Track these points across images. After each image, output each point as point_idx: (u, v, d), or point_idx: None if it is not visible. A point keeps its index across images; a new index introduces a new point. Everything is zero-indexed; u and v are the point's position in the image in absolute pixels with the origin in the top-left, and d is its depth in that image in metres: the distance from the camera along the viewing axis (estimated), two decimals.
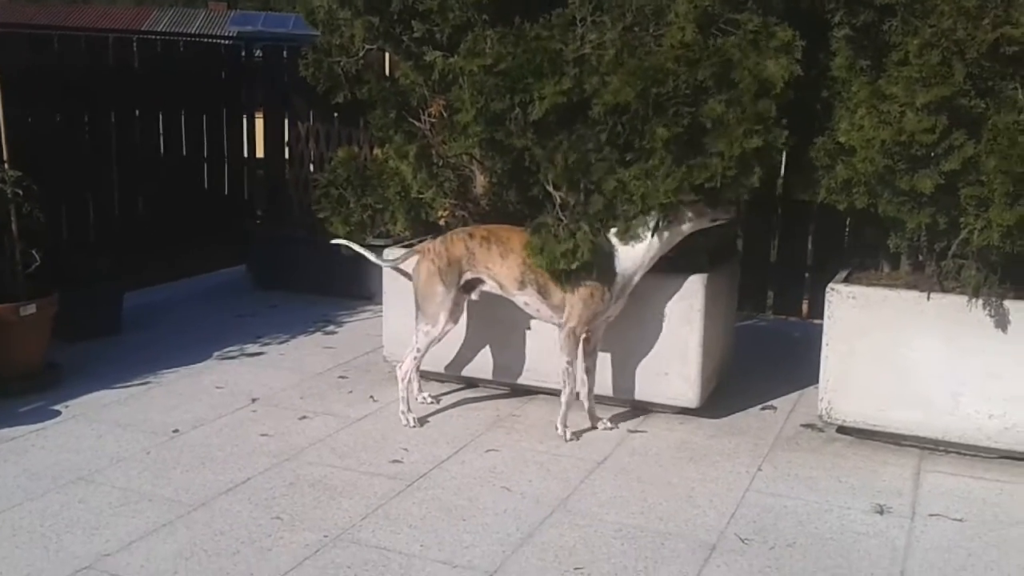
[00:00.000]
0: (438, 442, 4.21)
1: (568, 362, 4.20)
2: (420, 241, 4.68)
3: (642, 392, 4.47)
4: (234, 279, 7.24)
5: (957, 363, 3.96)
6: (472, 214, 4.75)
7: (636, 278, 4.18)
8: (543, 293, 4.21)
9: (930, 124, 3.70)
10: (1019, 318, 3.86)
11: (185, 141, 7.16)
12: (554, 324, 4.33)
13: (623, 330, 4.35)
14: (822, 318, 4.21)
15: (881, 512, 3.59)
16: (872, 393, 4.11)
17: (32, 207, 4.85)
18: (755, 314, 6.29)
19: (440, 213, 4.83)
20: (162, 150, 7.01)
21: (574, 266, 4.00)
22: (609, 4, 4.18)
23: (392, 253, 4.78)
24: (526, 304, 4.31)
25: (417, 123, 4.74)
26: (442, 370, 4.83)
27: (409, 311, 4.47)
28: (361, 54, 4.80)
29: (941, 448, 4.12)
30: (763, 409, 4.69)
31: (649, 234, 4.07)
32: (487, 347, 4.74)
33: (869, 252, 4.51)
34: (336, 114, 6.89)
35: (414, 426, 4.36)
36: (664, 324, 4.37)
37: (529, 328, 4.60)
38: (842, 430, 4.30)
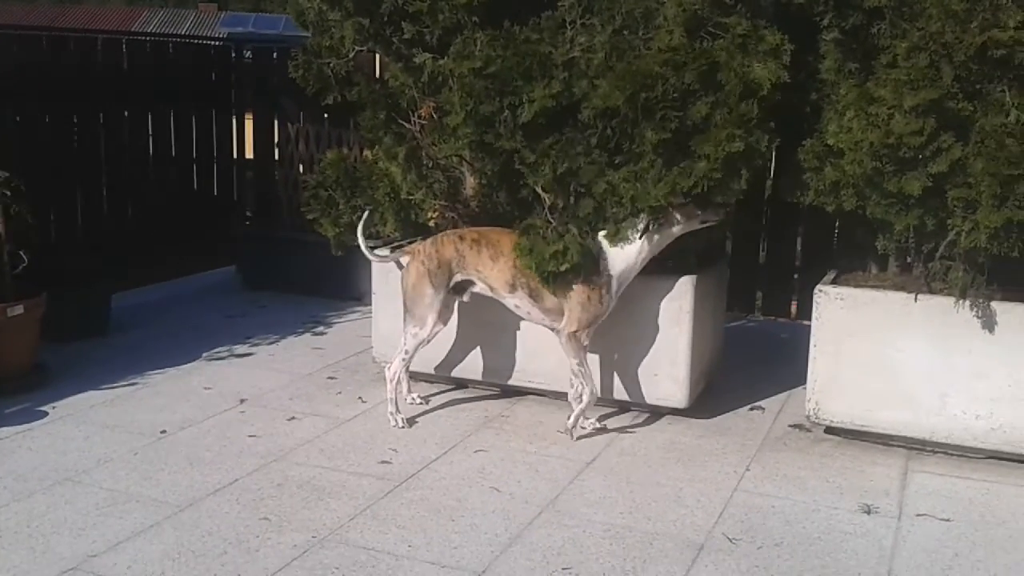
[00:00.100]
0: (427, 443, 4.21)
1: (578, 363, 4.19)
2: (410, 242, 4.68)
3: (631, 393, 4.47)
4: (223, 280, 7.22)
5: (944, 364, 3.98)
6: (462, 215, 4.75)
7: (630, 279, 4.19)
8: (535, 297, 4.21)
9: (918, 126, 3.72)
10: (1006, 319, 3.88)
11: (175, 142, 7.15)
12: (545, 326, 4.33)
13: (612, 331, 4.35)
14: (810, 319, 4.22)
15: (868, 512, 3.61)
16: (860, 394, 4.13)
17: (20, 208, 4.83)
18: (744, 315, 6.31)
19: (430, 214, 4.83)
20: (151, 151, 6.99)
21: (563, 268, 4.00)
22: (599, 7, 4.19)
23: (382, 254, 4.77)
24: (516, 307, 4.31)
25: (407, 125, 4.74)
26: (432, 371, 4.83)
27: (398, 311, 4.47)
28: (351, 55, 4.80)
29: (928, 448, 4.13)
30: (751, 410, 4.71)
31: (639, 236, 4.08)
32: (477, 348, 4.75)
33: (857, 253, 4.53)
34: (326, 115, 6.88)
35: (403, 427, 4.36)
36: (653, 325, 4.38)
37: (519, 329, 4.60)
38: (830, 430, 4.31)
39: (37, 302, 4.82)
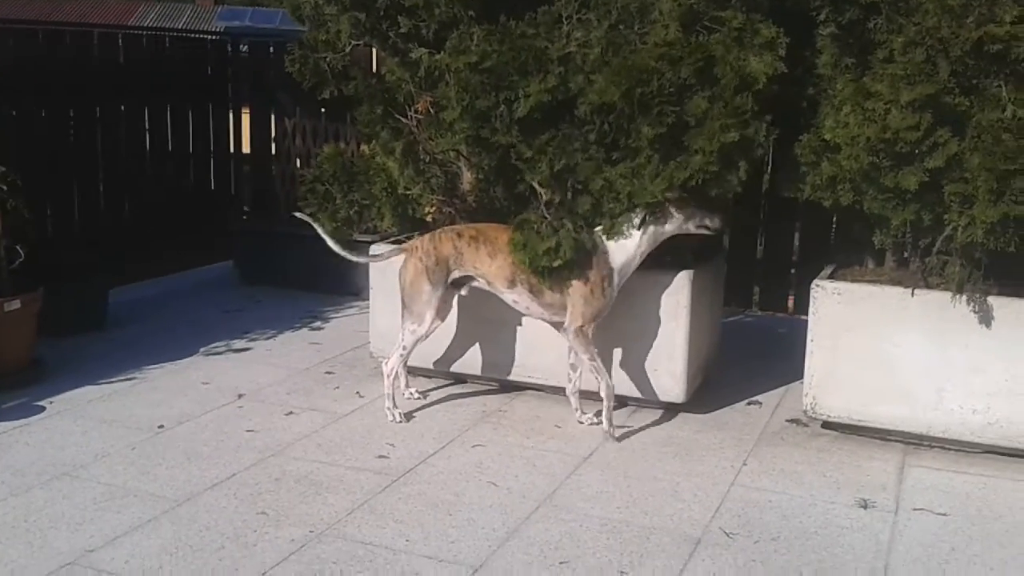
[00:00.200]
0: (424, 437, 4.21)
1: (590, 358, 4.17)
2: (408, 238, 4.68)
3: (628, 387, 4.48)
4: (221, 275, 7.22)
5: (941, 359, 3.99)
6: (459, 210, 4.75)
7: (630, 272, 4.19)
8: (535, 292, 4.21)
9: (914, 121, 3.72)
10: (1002, 314, 3.88)
11: (171, 136, 7.14)
12: (545, 320, 4.34)
13: (610, 326, 4.35)
14: (808, 314, 4.23)
15: (865, 506, 3.61)
16: (857, 388, 4.13)
17: (16, 202, 4.83)
18: (741, 310, 6.31)
19: (427, 209, 4.83)
20: (148, 146, 6.98)
21: (556, 263, 4.00)
22: (595, 2, 4.19)
23: (379, 249, 4.78)
24: (515, 302, 4.31)
25: (404, 119, 4.74)
26: (431, 366, 4.83)
27: (396, 307, 4.47)
28: (347, 50, 4.79)
29: (925, 443, 4.14)
30: (748, 404, 4.71)
31: (636, 230, 4.08)
32: (476, 343, 4.75)
33: (854, 248, 4.53)
34: (323, 110, 6.88)
35: (400, 421, 4.37)
36: (650, 320, 4.38)
37: (518, 324, 4.60)
38: (827, 425, 4.32)
39: (34, 297, 4.82)
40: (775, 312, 6.31)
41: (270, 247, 6.87)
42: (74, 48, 6.40)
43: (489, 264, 4.25)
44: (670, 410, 4.53)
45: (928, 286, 4.05)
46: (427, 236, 4.39)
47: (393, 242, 4.76)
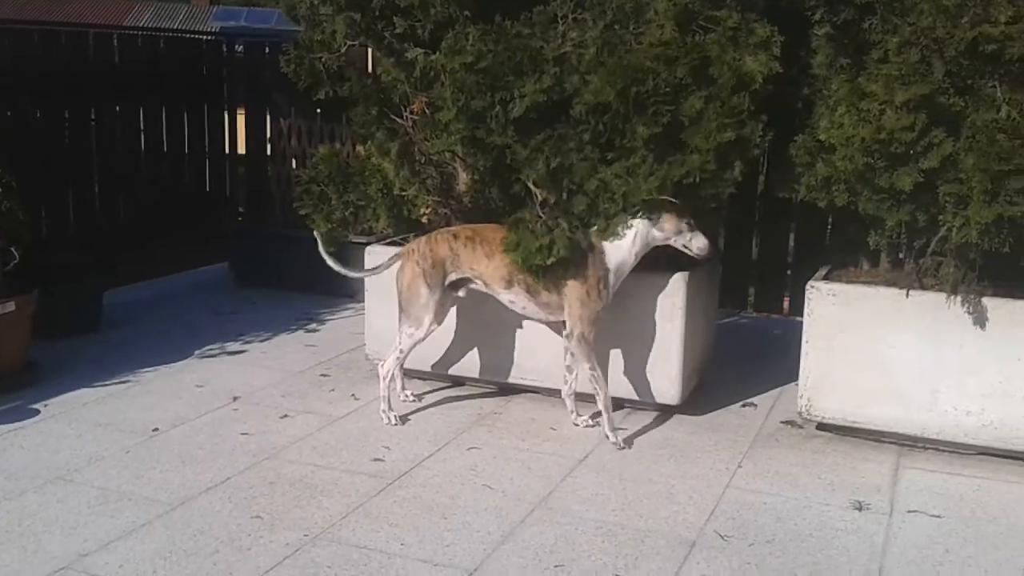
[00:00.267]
0: (420, 440, 4.21)
1: (591, 367, 4.16)
2: (403, 240, 4.67)
3: (623, 389, 4.47)
4: (216, 276, 7.21)
5: (936, 360, 3.99)
6: (455, 211, 4.74)
7: (625, 274, 4.18)
8: (532, 292, 4.20)
9: (909, 122, 3.72)
10: (997, 315, 3.88)
11: (166, 137, 7.12)
12: (541, 321, 4.33)
13: (605, 328, 4.35)
14: (803, 315, 4.22)
15: (860, 508, 3.61)
16: (851, 390, 4.13)
17: (11, 204, 4.81)
18: (736, 311, 6.31)
19: (423, 210, 4.82)
20: (143, 146, 6.97)
21: (549, 261, 3.99)
22: (590, 2, 4.19)
23: (375, 250, 4.77)
24: (512, 302, 4.30)
25: (399, 120, 4.73)
26: (428, 368, 4.82)
27: (392, 309, 4.46)
28: (343, 50, 4.78)
29: (920, 445, 4.14)
30: (743, 406, 4.71)
31: (631, 231, 4.07)
32: (474, 346, 4.73)
33: (849, 249, 4.53)
34: (318, 110, 6.86)
35: (396, 424, 4.36)
36: (646, 322, 4.37)
37: (516, 326, 4.59)
38: (822, 427, 4.32)
39: (28, 299, 4.81)
40: (770, 313, 6.32)
41: (265, 248, 6.86)
42: (69, 48, 6.39)
43: (486, 264, 4.24)
44: (665, 412, 4.53)
45: (923, 287, 4.05)
46: (423, 238, 4.38)
47: (389, 243, 4.76)
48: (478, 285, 4.33)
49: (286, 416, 4.47)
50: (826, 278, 4.28)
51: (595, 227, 4.13)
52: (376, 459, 4.00)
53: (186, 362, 5.22)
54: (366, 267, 4.75)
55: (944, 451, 4.10)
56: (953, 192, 3.76)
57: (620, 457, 4.07)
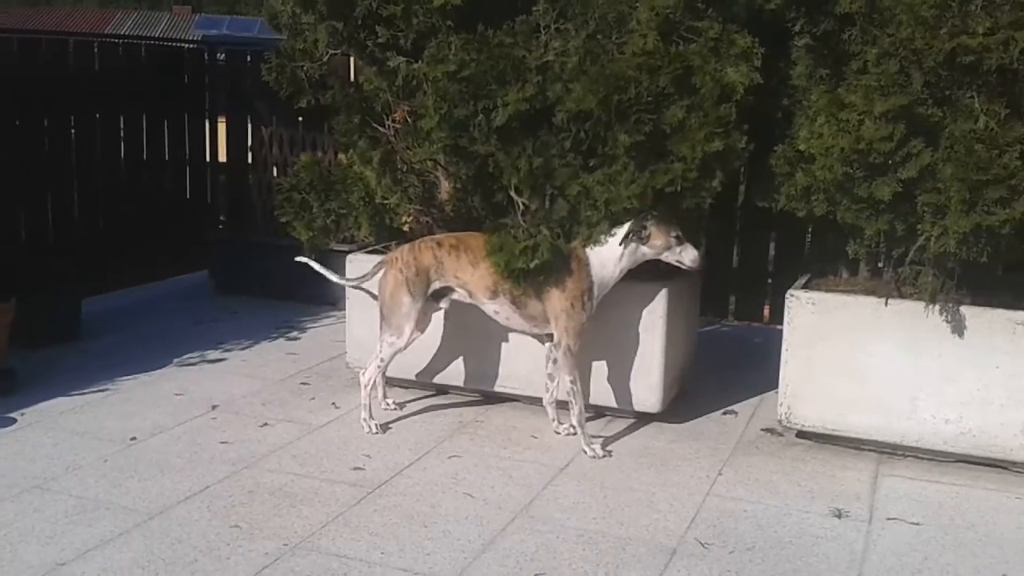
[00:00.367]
0: (400, 449, 4.19)
1: (572, 380, 4.16)
2: (385, 248, 4.66)
3: (604, 397, 4.47)
4: (196, 284, 7.17)
5: (914, 368, 4.01)
6: (436, 220, 4.74)
7: (609, 287, 4.17)
8: (517, 303, 4.19)
9: (888, 132, 3.75)
10: (975, 324, 3.91)
11: (147, 145, 7.09)
12: (525, 333, 4.33)
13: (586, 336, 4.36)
14: (783, 323, 4.24)
15: (839, 516, 3.62)
16: (831, 398, 4.15)
17: None
18: (717, 320, 6.33)
19: (404, 219, 4.82)
20: (123, 154, 6.93)
21: (532, 265, 3.98)
22: (572, 12, 4.20)
23: (356, 258, 4.75)
24: (496, 312, 4.29)
25: (381, 129, 4.73)
26: (413, 377, 4.80)
27: (373, 317, 4.45)
28: (325, 59, 4.78)
29: (899, 452, 4.16)
30: (724, 414, 4.72)
31: (617, 241, 4.07)
32: (458, 354, 4.72)
33: (829, 258, 4.56)
34: (300, 119, 6.86)
35: (376, 433, 4.34)
36: (626, 331, 4.38)
37: (498, 335, 4.58)
38: (802, 435, 4.33)
39: (6, 307, 4.77)
40: (750, 322, 6.34)
41: (246, 256, 6.83)
42: (49, 56, 6.35)
43: (471, 273, 4.23)
44: (646, 420, 4.53)
45: (902, 296, 4.07)
46: (407, 247, 4.37)
47: (370, 252, 4.74)
48: (462, 295, 4.32)
49: (266, 425, 4.44)
50: (806, 287, 4.30)
51: (578, 238, 4.13)
52: (356, 468, 3.98)
53: (165, 370, 5.19)
54: (348, 275, 4.74)
55: (923, 459, 4.12)
56: (931, 202, 3.79)
57: (601, 465, 4.07)
